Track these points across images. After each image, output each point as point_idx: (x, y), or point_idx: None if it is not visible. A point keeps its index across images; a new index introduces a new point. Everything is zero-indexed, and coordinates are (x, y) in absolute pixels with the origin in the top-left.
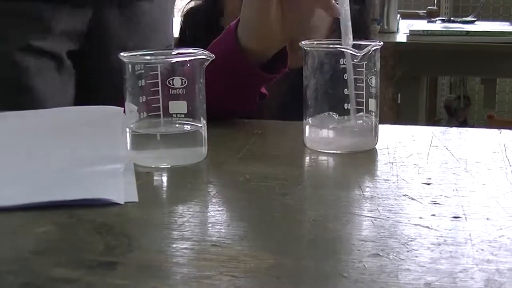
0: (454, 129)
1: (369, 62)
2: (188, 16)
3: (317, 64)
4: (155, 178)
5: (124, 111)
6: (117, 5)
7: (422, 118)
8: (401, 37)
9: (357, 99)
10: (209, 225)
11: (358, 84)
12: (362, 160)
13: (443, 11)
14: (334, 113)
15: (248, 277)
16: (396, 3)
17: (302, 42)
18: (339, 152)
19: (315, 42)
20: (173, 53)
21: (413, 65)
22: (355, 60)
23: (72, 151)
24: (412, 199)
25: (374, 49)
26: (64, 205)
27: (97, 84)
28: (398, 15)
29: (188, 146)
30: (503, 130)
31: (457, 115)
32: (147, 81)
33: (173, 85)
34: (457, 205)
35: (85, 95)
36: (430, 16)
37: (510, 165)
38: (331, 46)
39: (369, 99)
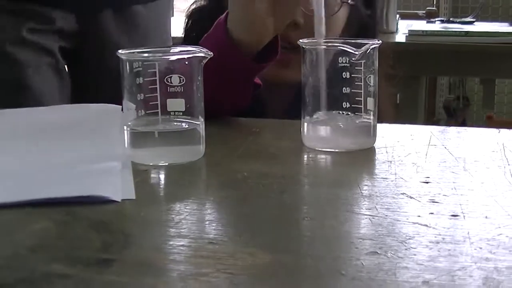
0: (453, 128)
1: (367, 61)
2: (192, 16)
3: (315, 63)
4: (152, 175)
5: (122, 109)
6: (112, 9)
7: (421, 119)
8: (400, 37)
9: (356, 98)
10: (207, 222)
11: (356, 83)
12: (361, 158)
13: (442, 12)
14: (333, 112)
15: (245, 275)
16: (395, 4)
17: (300, 40)
18: (337, 150)
19: (313, 40)
20: (171, 50)
21: (412, 65)
22: (353, 58)
23: (69, 149)
24: (410, 197)
25: (373, 48)
26: (61, 202)
27: (94, 85)
28: (397, 16)
29: (186, 144)
30: (501, 130)
31: (456, 116)
32: (145, 79)
33: (171, 83)
34: (456, 204)
35: (81, 95)
36: (429, 16)
37: (508, 164)
38: (329, 44)
39: (368, 98)
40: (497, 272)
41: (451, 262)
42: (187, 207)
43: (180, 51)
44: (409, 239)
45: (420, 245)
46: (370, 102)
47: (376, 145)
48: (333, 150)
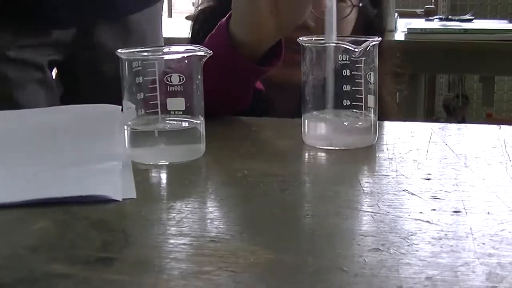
0: (453, 125)
1: (367, 58)
2: (201, 17)
3: (315, 61)
4: (153, 175)
5: (122, 109)
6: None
7: (421, 117)
8: (399, 36)
9: (356, 95)
10: (208, 221)
11: (356, 80)
12: (361, 156)
13: (441, 10)
14: (333, 110)
15: (247, 272)
16: (393, 2)
17: (300, 38)
18: (337, 148)
19: (313, 38)
20: (170, 49)
21: (411, 64)
22: (353, 56)
23: (70, 149)
24: (412, 194)
25: (372, 45)
26: (61, 201)
27: (86, 92)
28: (396, 14)
29: (186, 143)
30: (502, 126)
31: (456, 114)
32: (145, 78)
33: (170, 82)
34: (458, 200)
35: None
36: (427, 14)
37: (510, 160)
38: (325, 41)
39: (368, 95)
40: (500, 267)
41: (454, 258)
42: (188, 206)
43: (180, 50)
44: (412, 235)
45: (422, 241)
46: (371, 99)
47: (377, 142)
48: (333, 148)
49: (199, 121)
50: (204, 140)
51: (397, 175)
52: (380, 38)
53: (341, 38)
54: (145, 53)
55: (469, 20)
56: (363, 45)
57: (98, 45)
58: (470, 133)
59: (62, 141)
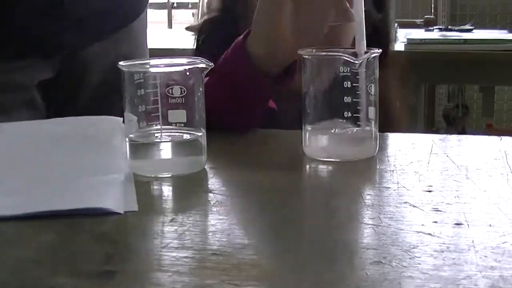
0: (454, 136)
1: (368, 70)
2: (205, 28)
3: (315, 72)
4: (154, 187)
5: (123, 121)
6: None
7: (421, 128)
8: (399, 46)
9: (357, 107)
10: (210, 234)
11: (357, 92)
12: (362, 168)
13: (441, 20)
14: (334, 121)
15: (249, 286)
16: (393, 12)
17: (300, 50)
18: (338, 160)
19: (313, 50)
20: (172, 62)
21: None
22: (353, 68)
23: (71, 161)
24: (414, 206)
25: (373, 56)
26: (64, 214)
27: (74, 111)
28: (396, 24)
29: (188, 155)
30: (503, 137)
31: (456, 124)
32: (146, 91)
33: (172, 94)
34: (459, 212)
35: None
36: (427, 25)
37: (511, 172)
38: (330, 53)
39: (369, 107)
40: (503, 280)
41: (456, 271)
42: (189, 219)
43: (181, 62)
44: (413, 248)
45: (424, 254)
46: (371, 111)
47: (378, 154)
48: (334, 159)
49: (200, 133)
50: (206, 152)
51: (398, 187)
52: (380, 50)
53: (341, 50)
54: (147, 66)
55: (469, 30)
56: (363, 56)
57: (86, 62)
58: (471, 145)
59: (63, 153)
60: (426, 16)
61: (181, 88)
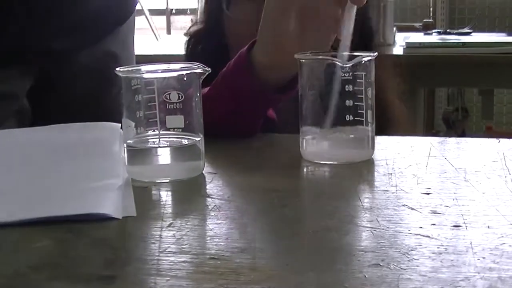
0: (452, 139)
1: (367, 73)
2: (192, 40)
3: (311, 76)
4: (153, 192)
5: (121, 127)
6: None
7: (420, 131)
8: (398, 50)
9: (359, 111)
10: (208, 238)
11: (358, 96)
12: (360, 171)
13: (439, 23)
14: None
15: None
16: (392, 16)
17: (297, 54)
18: (336, 163)
19: (309, 53)
20: (169, 67)
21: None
22: (342, 71)
23: (70, 167)
24: (412, 209)
25: (368, 60)
26: (62, 220)
27: (60, 118)
28: (394, 28)
29: (186, 160)
30: (501, 139)
31: (455, 127)
32: (144, 96)
33: (169, 99)
34: (457, 214)
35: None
36: (426, 28)
37: (509, 174)
38: (323, 57)
39: (367, 110)
40: (501, 282)
41: (454, 272)
42: (188, 223)
43: (178, 67)
44: (412, 250)
45: (422, 256)
46: (369, 114)
47: (376, 157)
48: (332, 162)
49: (198, 138)
50: (204, 157)
51: (396, 190)
52: (375, 53)
53: (333, 53)
54: (144, 71)
55: (468, 34)
56: (353, 60)
57: (75, 68)
58: (469, 147)
59: (62, 159)
60: (424, 20)
61: (178, 94)
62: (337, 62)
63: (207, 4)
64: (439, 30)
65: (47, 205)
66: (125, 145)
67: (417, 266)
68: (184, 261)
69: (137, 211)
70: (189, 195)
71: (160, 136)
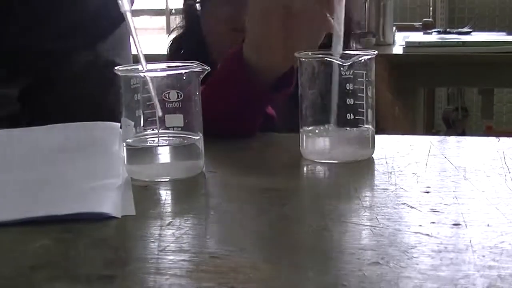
0: (452, 138)
1: (368, 72)
2: (174, 44)
3: (311, 75)
4: (152, 191)
5: (121, 126)
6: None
7: (420, 131)
8: (398, 49)
9: (358, 110)
10: (207, 237)
11: (359, 95)
12: (360, 170)
13: (439, 23)
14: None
15: None
16: (391, 16)
17: (297, 53)
18: (335, 162)
19: (309, 53)
20: (168, 66)
21: (409, 77)
22: (342, 69)
23: (69, 166)
24: (411, 207)
25: (368, 58)
26: (61, 219)
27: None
28: (394, 28)
29: (185, 159)
30: (501, 138)
31: (455, 127)
32: (143, 95)
33: (169, 98)
34: (457, 213)
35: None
36: (426, 27)
37: (509, 172)
38: (322, 56)
39: (368, 109)
40: (500, 280)
41: (453, 270)
42: (187, 222)
43: (177, 66)
44: (411, 248)
45: (422, 255)
46: (369, 113)
47: (376, 156)
48: (332, 161)
49: (198, 137)
50: (203, 156)
51: (396, 189)
52: (375, 52)
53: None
54: (143, 70)
55: (467, 33)
56: (352, 59)
57: (70, 69)
58: (469, 146)
59: (61, 159)
60: (424, 19)
61: (177, 93)
62: (337, 61)
63: (185, 8)
64: (438, 30)
65: (47, 204)
66: (124, 144)
67: (417, 264)
68: (183, 260)
69: (137, 210)
70: (189, 194)
71: (160, 135)
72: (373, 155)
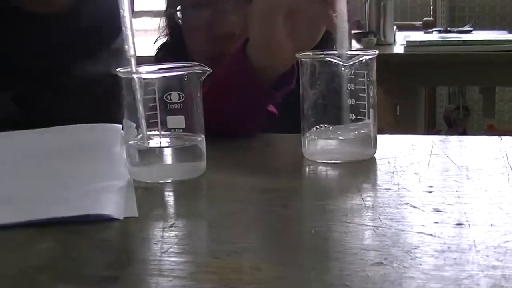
0: (454, 137)
1: (369, 72)
2: (159, 52)
3: (313, 75)
4: (154, 193)
5: (123, 128)
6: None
7: (421, 130)
8: (398, 49)
9: (360, 109)
10: (210, 238)
11: (360, 94)
12: (362, 170)
13: (440, 22)
14: (332, 124)
15: None
16: (392, 15)
17: (298, 54)
18: (338, 162)
19: (311, 53)
20: (169, 67)
21: (410, 76)
22: (342, 69)
23: (71, 168)
24: (414, 207)
25: (369, 58)
26: (64, 221)
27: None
28: (395, 27)
29: (187, 161)
30: (504, 137)
31: (457, 126)
32: (144, 97)
33: (170, 100)
34: (460, 212)
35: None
36: (426, 27)
37: None
38: (323, 56)
39: (370, 109)
40: (505, 279)
41: (457, 270)
42: (190, 223)
43: (179, 67)
44: (414, 248)
45: (425, 255)
46: (371, 113)
47: (378, 156)
48: (333, 161)
49: (199, 139)
50: (205, 158)
51: (398, 189)
52: (376, 52)
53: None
54: (145, 72)
55: (468, 32)
56: (353, 59)
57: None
58: (471, 145)
59: (63, 161)
60: (425, 19)
61: (179, 94)
62: (338, 61)
63: (166, 17)
64: (439, 29)
65: (50, 206)
66: (126, 145)
67: (420, 264)
68: (186, 261)
69: (139, 212)
70: (191, 195)
71: (161, 137)
72: (375, 155)
